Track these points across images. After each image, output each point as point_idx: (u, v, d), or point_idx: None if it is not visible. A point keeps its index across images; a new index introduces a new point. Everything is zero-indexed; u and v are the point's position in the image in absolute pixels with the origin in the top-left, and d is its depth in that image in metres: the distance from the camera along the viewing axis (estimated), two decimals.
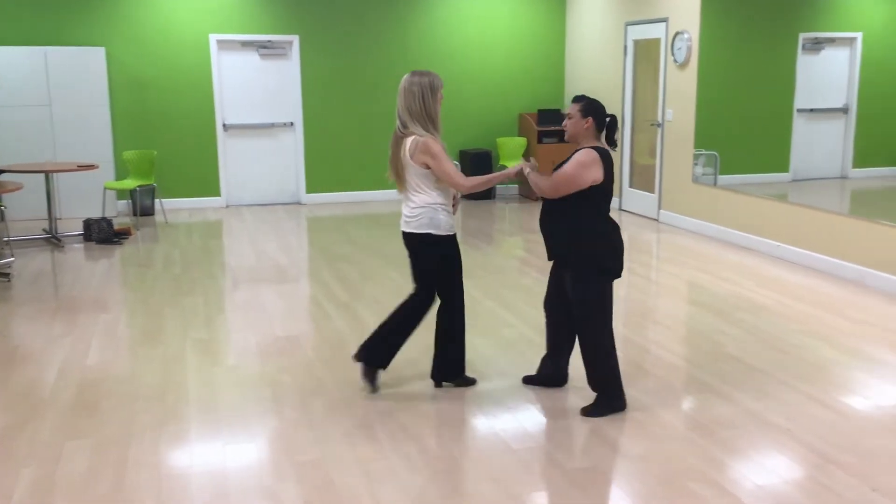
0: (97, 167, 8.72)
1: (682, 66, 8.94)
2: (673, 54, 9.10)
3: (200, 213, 10.24)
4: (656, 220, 9.58)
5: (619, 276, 4.15)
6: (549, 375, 4.54)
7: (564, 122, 4.25)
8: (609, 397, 4.20)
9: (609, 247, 4.10)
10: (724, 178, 8.88)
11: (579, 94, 4.53)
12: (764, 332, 5.44)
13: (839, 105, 8.47)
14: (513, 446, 3.82)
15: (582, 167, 4.04)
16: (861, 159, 8.41)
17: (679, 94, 9.05)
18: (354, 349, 5.04)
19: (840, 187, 8.79)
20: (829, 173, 8.69)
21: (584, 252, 4.09)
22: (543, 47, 11.51)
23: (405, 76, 4.26)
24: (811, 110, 8.69)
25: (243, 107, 10.69)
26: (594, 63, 10.84)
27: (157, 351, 5.12)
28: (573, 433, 3.95)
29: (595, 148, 4.10)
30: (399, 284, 6.68)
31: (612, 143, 4.22)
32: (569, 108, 4.26)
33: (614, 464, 3.63)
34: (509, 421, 4.11)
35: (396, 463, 3.65)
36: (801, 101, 8.62)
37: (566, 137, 4.25)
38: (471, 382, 4.56)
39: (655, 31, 9.48)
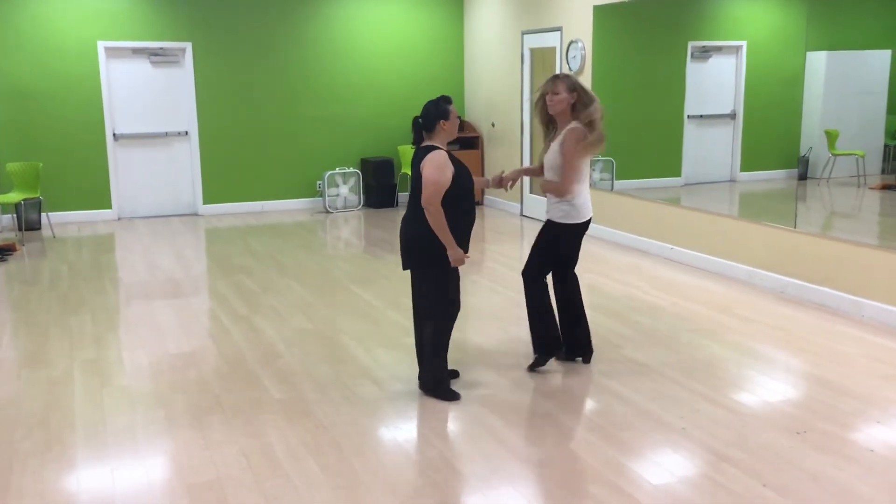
0: None
1: (577, 74, 9.11)
2: (568, 62, 9.26)
3: (90, 227, 9.86)
4: None
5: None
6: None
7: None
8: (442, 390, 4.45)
9: None
10: (620, 183, 9.07)
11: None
12: (658, 333, 5.57)
13: (727, 111, 8.76)
14: (413, 456, 3.79)
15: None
16: (748, 163, 8.72)
17: None
18: (254, 363, 4.93)
19: (729, 190, 9.09)
20: (718, 177, 8.98)
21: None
22: (442, 54, 11.55)
23: None
24: (701, 116, 8.96)
25: (135, 116, 10.34)
26: (493, 71, 10.94)
27: (41, 373, 4.88)
28: (475, 439, 3.94)
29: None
30: (300, 295, 6.57)
31: (416, 143, 4.38)
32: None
33: (515, 469, 3.64)
34: (410, 430, 4.08)
35: (296, 481, 3.56)
36: (691, 107, 8.88)
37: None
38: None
39: (551, 40, 9.62)
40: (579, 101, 4.61)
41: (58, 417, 4.24)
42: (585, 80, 8.97)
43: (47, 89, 9.81)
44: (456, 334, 5.34)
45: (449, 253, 4.27)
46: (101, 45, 9.98)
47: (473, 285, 6.90)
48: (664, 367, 4.90)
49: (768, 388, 4.58)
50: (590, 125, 4.56)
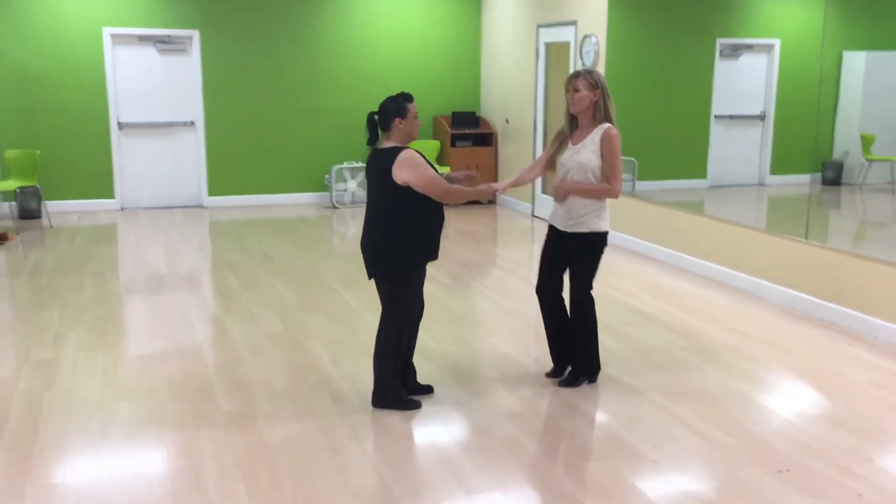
0: None
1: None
2: (581, 58, 8.87)
3: (91, 217, 9.70)
4: None
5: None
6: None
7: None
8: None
9: None
10: (641, 185, 8.70)
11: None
12: (648, 349, 5.20)
13: (757, 112, 8.35)
14: (353, 484, 3.48)
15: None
16: (778, 166, 8.32)
17: None
18: (213, 370, 4.66)
19: (756, 195, 8.68)
20: (746, 180, 8.58)
21: None
22: (459, 48, 11.20)
23: None
24: (729, 117, 8.56)
25: (140, 104, 10.16)
26: (508, 66, 10.58)
27: None
28: (425, 468, 3.63)
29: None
30: (281, 294, 6.30)
31: (370, 142, 4.14)
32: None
33: (456, 499, 3.32)
34: (357, 454, 3.77)
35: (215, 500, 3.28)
36: (718, 107, 8.48)
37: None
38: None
39: (565, 35, 9.24)
40: (602, 99, 4.31)
41: None
42: None
43: (51, 76, 9.66)
44: (433, 343, 5.04)
45: (482, 191, 4.29)
46: (107, 32, 9.80)
47: (467, 290, 6.58)
48: (648, 389, 4.53)
49: (756, 417, 4.20)
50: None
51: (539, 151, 9.98)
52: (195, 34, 10.11)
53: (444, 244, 8.59)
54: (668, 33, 8.56)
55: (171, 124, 10.31)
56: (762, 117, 8.34)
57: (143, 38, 10.03)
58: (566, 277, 4.52)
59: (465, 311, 6.01)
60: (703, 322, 5.77)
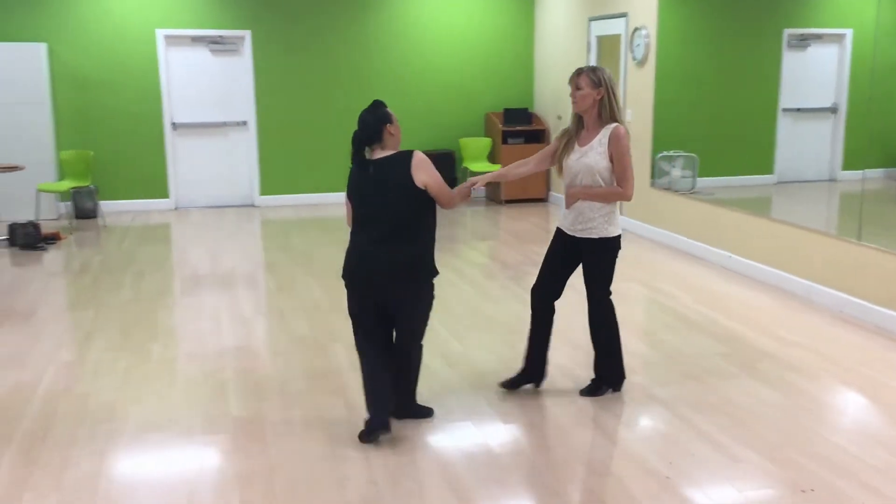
0: (23, 168, 8.35)
1: (641, 63, 8.44)
2: (632, 51, 8.61)
3: (145, 216, 9.86)
4: None
5: (347, 287, 3.90)
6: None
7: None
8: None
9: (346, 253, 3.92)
10: (702, 181, 8.40)
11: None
12: (682, 356, 4.96)
13: (827, 104, 7.98)
14: (347, 497, 3.38)
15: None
16: (851, 161, 7.92)
17: (638, 93, 8.56)
18: (232, 373, 4.62)
19: (827, 190, 8.29)
20: (816, 176, 8.20)
21: None
22: (511, 43, 11.01)
23: None
24: (797, 110, 8.20)
25: (193, 105, 10.28)
26: (560, 60, 10.35)
27: (11, 375, 4.71)
28: (425, 482, 3.51)
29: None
30: (314, 296, 6.26)
31: (356, 160, 3.91)
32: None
33: None
34: (356, 465, 3.67)
35: None
36: (786, 100, 8.13)
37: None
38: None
39: (616, 27, 8.98)
40: (607, 97, 4.11)
41: None
42: (648, 72, 8.31)
43: (106, 77, 9.85)
44: (458, 347, 4.91)
45: (459, 192, 4.03)
46: (160, 33, 9.94)
47: (503, 291, 6.43)
48: (674, 400, 4.31)
49: (787, 432, 3.94)
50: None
51: None
52: (247, 34, 10.18)
53: (489, 243, 8.45)
54: (728, 24, 8.22)
55: (223, 124, 10.41)
56: (833, 110, 7.95)
57: (195, 39, 10.14)
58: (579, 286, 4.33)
59: (496, 315, 5.86)
60: (747, 328, 5.49)
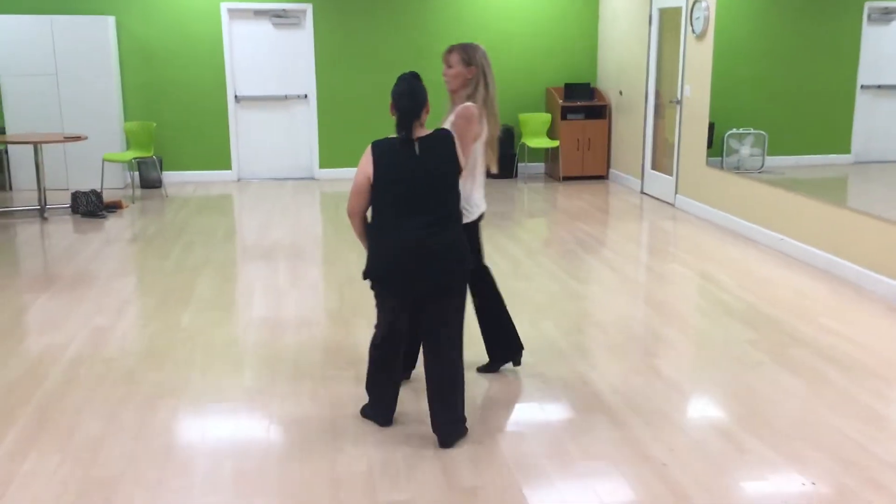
0: (85, 138, 8.63)
1: (700, 37, 8.16)
2: (691, 24, 8.33)
3: (207, 187, 10.09)
4: (672, 205, 8.85)
5: (385, 287, 3.54)
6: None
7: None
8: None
9: (373, 249, 3.55)
10: (772, 160, 8.11)
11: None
12: (709, 341, 4.81)
13: None
14: (336, 471, 3.41)
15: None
16: None
17: (696, 67, 8.28)
18: (252, 344, 4.70)
19: None
20: None
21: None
22: (576, 16, 10.79)
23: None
24: (878, 87, 7.82)
25: (256, 78, 10.44)
26: (623, 34, 10.09)
27: (44, 339, 4.90)
28: (414, 468, 3.50)
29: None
30: (352, 269, 6.30)
31: (406, 137, 3.56)
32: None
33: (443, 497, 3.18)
34: (348, 447, 3.69)
35: (198, 484, 3.29)
36: (865, 76, 7.76)
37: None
38: None
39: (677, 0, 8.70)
40: (479, 79, 3.87)
41: (18, 394, 4.20)
42: (707, 45, 8.03)
43: (172, 50, 10.08)
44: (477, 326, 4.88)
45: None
46: (224, 7, 10.10)
47: (537, 269, 6.35)
48: (692, 386, 4.20)
49: (802, 424, 3.78)
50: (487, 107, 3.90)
51: (650, 125, 9.49)
52: (308, 8, 10.25)
53: (536, 220, 8.33)
54: None
55: (285, 97, 10.54)
56: None
57: (258, 13, 10.27)
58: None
59: (524, 292, 5.79)
60: (786, 313, 5.28)
